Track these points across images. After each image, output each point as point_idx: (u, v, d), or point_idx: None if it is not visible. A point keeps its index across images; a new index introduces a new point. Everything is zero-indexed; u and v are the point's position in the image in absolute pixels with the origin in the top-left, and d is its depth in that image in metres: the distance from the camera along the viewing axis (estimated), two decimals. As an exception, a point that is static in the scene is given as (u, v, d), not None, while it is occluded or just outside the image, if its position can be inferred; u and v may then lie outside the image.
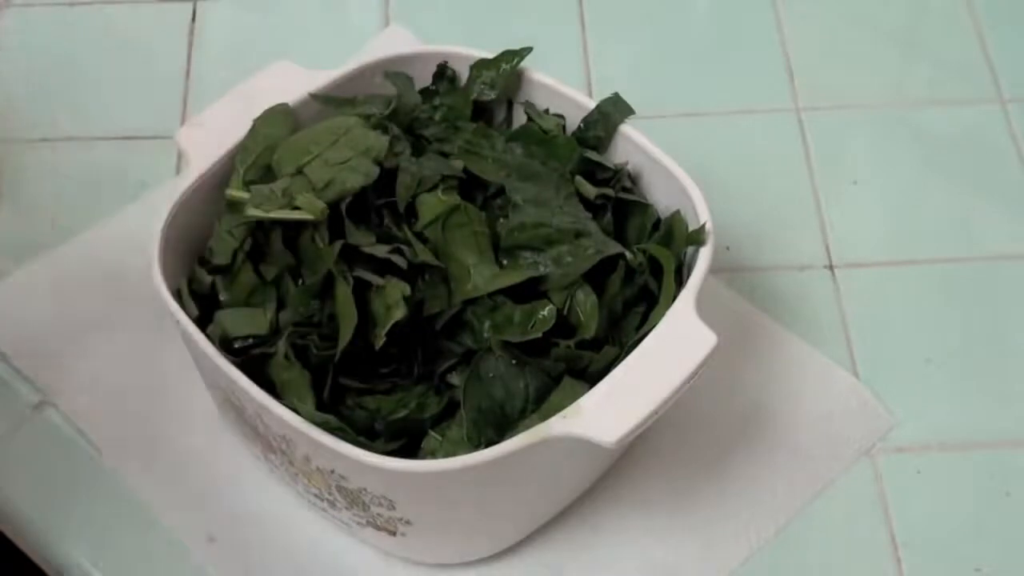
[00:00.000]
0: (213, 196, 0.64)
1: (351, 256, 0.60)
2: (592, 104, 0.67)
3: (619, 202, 0.65)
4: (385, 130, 0.64)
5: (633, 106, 0.67)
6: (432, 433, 0.60)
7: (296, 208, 0.60)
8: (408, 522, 0.60)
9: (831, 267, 0.77)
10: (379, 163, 0.62)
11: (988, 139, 0.83)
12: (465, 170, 0.63)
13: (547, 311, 0.59)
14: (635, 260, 0.62)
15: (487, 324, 0.60)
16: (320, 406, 0.59)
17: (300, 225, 0.61)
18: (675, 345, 0.58)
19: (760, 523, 0.67)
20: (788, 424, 0.71)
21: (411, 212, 0.62)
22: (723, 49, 0.87)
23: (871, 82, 0.86)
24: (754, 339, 0.74)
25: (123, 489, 0.68)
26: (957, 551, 0.67)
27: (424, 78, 0.69)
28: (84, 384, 0.71)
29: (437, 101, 0.68)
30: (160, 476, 0.68)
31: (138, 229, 0.75)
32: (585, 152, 0.66)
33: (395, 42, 0.84)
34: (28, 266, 0.76)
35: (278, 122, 0.65)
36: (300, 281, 0.61)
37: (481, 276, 0.60)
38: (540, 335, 0.59)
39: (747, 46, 0.87)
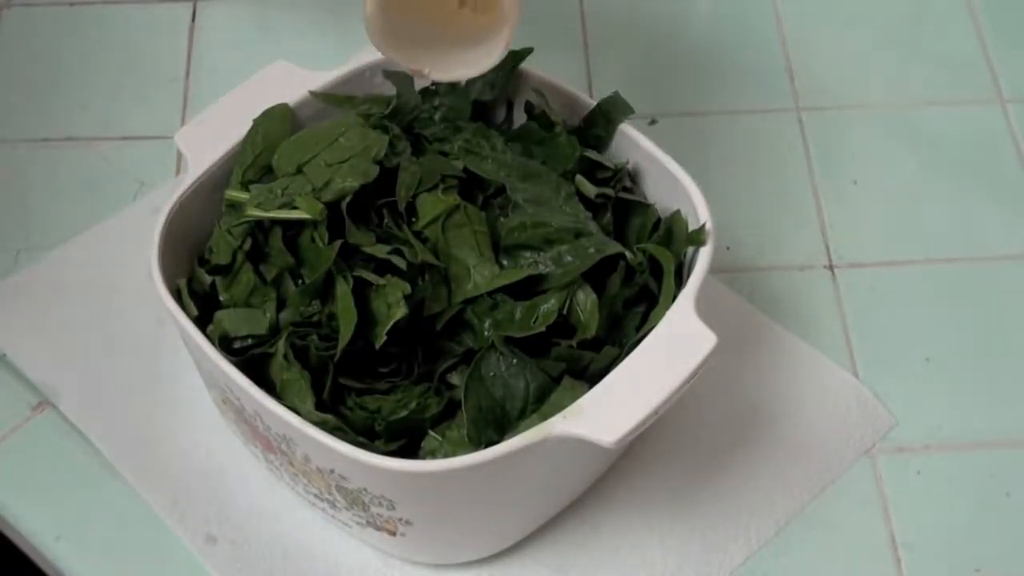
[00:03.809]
0: (213, 196, 0.65)
1: (351, 256, 0.60)
2: (592, 103, 0.67)
3: (619, 202, 0.65)
4: (385, 130, 0.64)
5: (633, 106, 0.67)
6: (432, 433, 0.60)
7: (295, 208, 0.60)
8: (408, 522, 0.61)
9: (831, 267, 0.77)
10: (379, 163, 0.62)
11: (988, 139, 0.83)
12: (465, 170, 0.63)
13: (549, 306, 0.59)
14: (635, 260, 0.62)
15: (488, 323, 0.60)
16: (320, 406, 0.59)
17: (300, 225, 0.61)
18: (675, 345, 0.58)
19: (760, 523, 0.68)
20: (788, 424, 0.71)
21: (411, 212, 0.62)
22: (723, 49, 0.87)
23: (871, 82, 0.86)
24: (754, 339, 0.74)
25: (123, 489, 0.68)
26: (957, 551, 0.67)
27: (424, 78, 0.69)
28: (84, 384, 0.71)
29: (437, 101, 0.68)
30: (160, 476, 0.68)
31: (138, 229, 0.75)
32: (585, 151, 0.66)
33: (395, 42, 0.84)
34: (28, 266, 0.76)
35: (278, 122, 0.65)
36: (300, 281, 0.61)
37: (481, 276, 0.61)
38: (543, 330, 0.59)
39: (747, 46, 0.87)
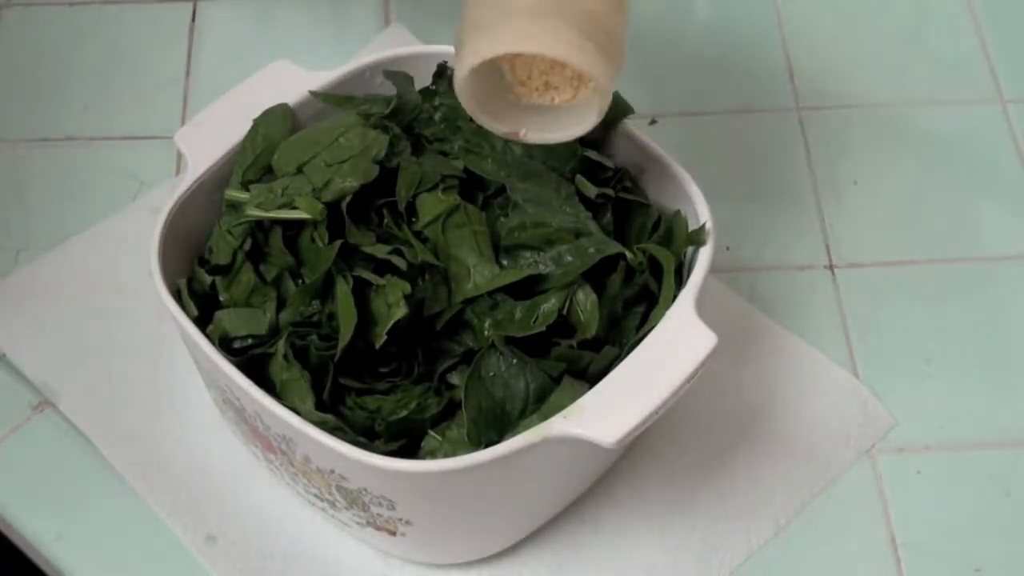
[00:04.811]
0: (213, 196, 0.65)
1: (351, 256, 0.60)
2: (592, 104, 0.67)
3: (619, 202, 0.65)
4: (385, 129, 0.64)
5: (633, 106, 0.67)
6: (432, 433, 0.60)
7: (295, 208, 0.60)
8: (408, 522, 0.61)
9: (831, 267, 0.77)
10: (379, 163, 0.62)
11: (988, 139, 0.83)
12: (465, 170, 0.63)
13: (549, 306, 0.59)
14: (635, 260, 0.62)
15: (488, 322, 0.60)
16: (320, 406, 0.59)
17: (300, 225, 0.61)
18: (675, 345, 0.58)
19: (760, 523, 0.68)
20: (788, 424, 0.71)
21: (411, 212, 0.62)
22: (723, 49, 0.87)
23: (871, 82, 0.86)
24: (754, 339, 0.74)
25: (123, 489, 0.68)
26: (957, 551, 0.67)
27: (424, 78, 0.69)
28: (84, 384, 0.71)
29: (437, 101, 0.68)
30: (160, 476, 0.68)
31: (138, 229, 0.75)
32: (585, 151, 0.66)
33: (395, 42, 0.84)
34: (28, 266, 0.76)
35: (278, 122, 0.65)
36: (300, 281, 0.61)
37: (481, 276, 0.61)
38: (543, 329, 0.59)
39: (747, 46, 0.87)
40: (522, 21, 0.54)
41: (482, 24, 0.55)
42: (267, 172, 0.64)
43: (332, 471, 0.59)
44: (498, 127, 0.59)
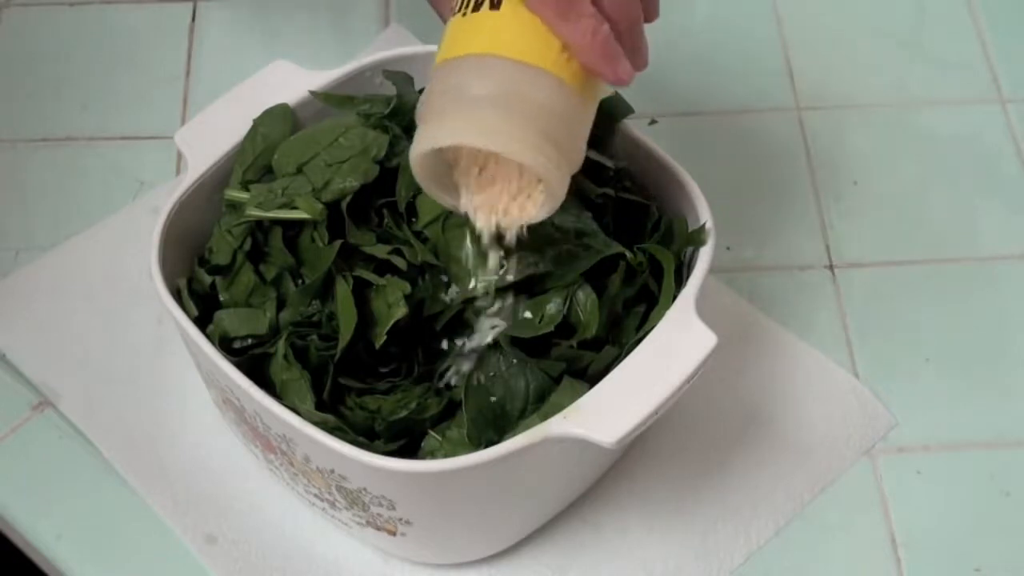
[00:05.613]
0: (213, 196, 0.65)
1: (351, 256, 0.60)
2: (592, 103, 0.67)
3: (619, 202, 0.65)
4: (385, 130, 0.64)
5: (633, 106, 0.67)
6: (432, 433, 0.60)
7: (295, 208, 0.60)
8: (408, 522, 0.61)
9: (831, 267, 0.77)
10: (379, 163, 0.62)
11: (988, 139, 0.83)
12: (465, 169, 0.63)
13: (554, 306, 0.59)
14: (635, 260, 0.62)
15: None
16: (320, 406, 0.59)
17: (300, 225, 0.61)
18: (675, 345, 0.58)
19: (760, 523, 0.68)
20: (788, 424, 0.71)
21: (411, 212, 0.62)
22: (723, 49, 0.87)
23: (871, 82, 0.86)
24: (754, 339, 0.74)
25: (123, 489, 0.68)
26: (957, 551, 0.67)
27: (424, 78, 0.69)
28: (84, 384, 0.71)
29: (437, 101, 0.68)
30: (160, 476, 0.68)
31: (138, 229, 0.75)
32: (585, 151, 0.66)
33: (395, 42, 0.84)
34: (28, 266, 0.76)
35: (278, 122, 0.65)
36: (300, 281, 0.61)
37: (481, 276, 0.61)
38: (552, 329, 0.59)
39: (747, 46, 0.87)
40: (484, 114, 0.53)
41: (442, 109, 0.54)
42: (267, 172, 0.64)
43: (332, 471, 0.59)
44: (451, 203, 0.58)
